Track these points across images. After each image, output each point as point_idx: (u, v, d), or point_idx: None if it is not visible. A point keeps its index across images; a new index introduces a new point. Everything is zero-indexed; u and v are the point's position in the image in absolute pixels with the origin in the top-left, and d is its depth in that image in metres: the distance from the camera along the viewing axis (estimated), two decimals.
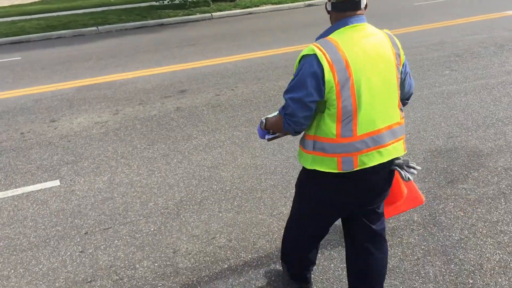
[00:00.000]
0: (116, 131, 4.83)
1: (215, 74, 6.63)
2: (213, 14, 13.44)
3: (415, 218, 3.03)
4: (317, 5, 14.56)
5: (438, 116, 4.61)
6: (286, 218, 3.08)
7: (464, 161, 3.70)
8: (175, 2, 14.66)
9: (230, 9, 13.86)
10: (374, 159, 1.88)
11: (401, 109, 1.96)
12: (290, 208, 2.34)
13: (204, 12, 13.60)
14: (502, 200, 3.15)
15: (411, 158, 3.80)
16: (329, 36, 1.84)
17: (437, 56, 6.66)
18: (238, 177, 3.71)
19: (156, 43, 9.51)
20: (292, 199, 2.30)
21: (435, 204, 3.16)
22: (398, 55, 1.90)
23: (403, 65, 1.97)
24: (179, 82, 6.35)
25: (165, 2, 14.58)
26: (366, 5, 1.88)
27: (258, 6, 14.28)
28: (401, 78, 1.98)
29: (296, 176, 3.60)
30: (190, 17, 13.28)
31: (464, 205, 3.13)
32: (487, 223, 2.93)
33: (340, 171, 1.88)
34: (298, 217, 2.22)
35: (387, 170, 1.97)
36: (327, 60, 1.75)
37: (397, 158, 1.98)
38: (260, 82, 6.15)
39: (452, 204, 3.15)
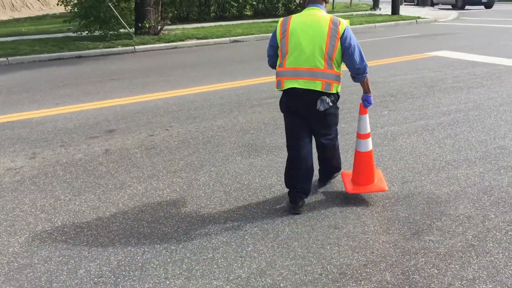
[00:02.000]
0: (34, 179, 4.15)
1: (145, 112, 6.12)
2: (136, 47, 12.93)
3: (388, 278, 2.73)
4: (242, 41, 14.52)
5: (387, 159, 4.45)
6: (246, 284, 2.65)
7: (424, 209, 3.51)
8: (95, 34, 13.92)
9: (154, 43, 13.41)
10: (291, 84, 3.30)
11: (329, 63, 3.25)
12: (248, 269, 2.84)
13: (126, 45, 13.04)
14: (473, 253, 2.95)
15: (371, 205, 3.55)
16: (293, 15, 3.38)
17: (375, 95, 6.64)
18: (184, 233, 3.23)
19: (75, 76, 8.80)
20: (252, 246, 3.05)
21: (405, 260, 2.89)
22: (333, 30, 3.23)
23: (341, 37, 3.24)
24: (106, 121, 5.76)
25: (83, 34, 13.79)
26: None
27: (183, 40, 13.97)
28: (342, 48, 3.27)
29: (251, 230, 3.22)
30: (111, 49, 12.66)
31: (436, 260, 2.89)
32: (464, 281, 2.69)
33: (276, 89, 3.43)
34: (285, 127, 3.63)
35: (307, 97, 3.31)
36: (280, 25, 3.37)
37: (323, 95, 3.30)
38: (196, 121, 5.73)
39: (423, 259, 2.90)
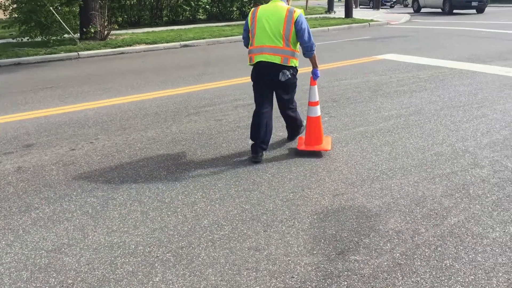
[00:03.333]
0: None
1: (72, 124, 5.71)
2: (80, 53, 12.40)
3: None
4: (193, 45, 14.20)
5: (321, 170, 4.23)
6: None
7: (353, 224, 3.29)
8: (37, 39, 13.29)
9: (100, 48, 12.90)
10: (258, 58, 4.33)
11: (287, 42, 4.30)
12: None
13: (70, 51, 12.50)
14: (399, 273, 2.74)
15: (298, 222, 3.31)
16: (260, 6, 4.43)
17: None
18: (87, 263, 2.89)
19: (8, 85, 8.27)
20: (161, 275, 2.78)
21: (326, 285, 2.65)
22: (289, 17, 4.26)
23: (295, 22, 4.26)
24: (26, 134, 5.34)
25: (24, 39, 13.13)
26: None
27: (130, 45, 13.53)
28: (295, 31, 4.30)
29: (163, 257, 2.93)
30: (53, 56, 12.10)
31: (359, 283, 2.66)
32: None
33: (249, 63, 4.48)
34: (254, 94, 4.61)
35: (271, 68, 4.32)
36: (251, 14, 4.39)
37: (282, 67, 4.33)
38: (125, 132, 5.38)
39: (346, 283, 2.66)
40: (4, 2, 13.00)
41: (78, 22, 14.14)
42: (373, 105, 6.24)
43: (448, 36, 13.97)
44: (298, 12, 4.36)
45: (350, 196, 3.71)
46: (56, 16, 12.73)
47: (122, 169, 4.34)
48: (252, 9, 4.54)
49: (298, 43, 4.46)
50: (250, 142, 4.61)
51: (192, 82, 8.08)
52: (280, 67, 4.34)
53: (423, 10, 28.25)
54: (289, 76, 4.40)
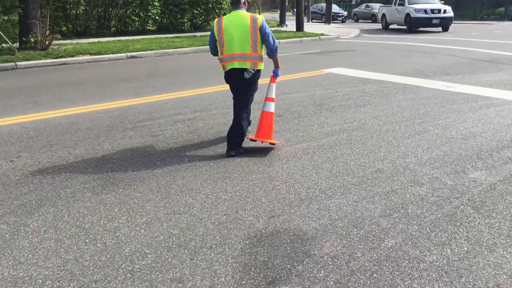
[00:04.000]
0: None
1: None
2: (18, 63, 11.78)
3: None
4: (139, 57, 13.81)
5: (258, 189, 4.01)
6: None
7: (287, 249, 3.08)
8: None
9: (40, 59, 12.32)
10: (230, 66, 4.74)
11: (254, 48, 4.72)
12: None
13: (7, 60, 11.84)
14: None
15: (229, 248, 3.06)
16: (224, 16, 4.79)
17: (258, 115, 6.26)
18: None
19: None
20: None
21: None
22: (254, 23, 4.66)
23: (260, 28, 4.68)
24: None
25: None
26: (245, 1, 4.79)
27: (73, 56, 12.99)
28: (260, 35, 4.72)
29: (74, 286, 2.59)
30: None
31: None
32: None
33: (221, 71, 4.89)
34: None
35: (240, 73, 4.77)
36: (216, 24, 4.74)
37: (247, 70, 4.76)
38: (51, 149, 4.98)
39: None
40: None
41: (17, 31, 13.42)
42: (317, 120, 6.11)
43: (394, 51, 14.23)
44: (261, 18, 4.80)
45: (286, 218, 3.50)
46: None
47: (42, 191, 3.96)
48: (216, 19, 4.88)
49: (264, 47, 4.91)
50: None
51: (132, 95, 7.73)
52: (246, 70, 4.83)
53: (391, 26, 26.50)
54: (252, 72, 4.83)
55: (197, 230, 3.31)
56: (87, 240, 3.18)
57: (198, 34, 20.24)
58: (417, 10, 22.45)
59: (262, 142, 5.06)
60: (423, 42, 16.82)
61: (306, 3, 36.11)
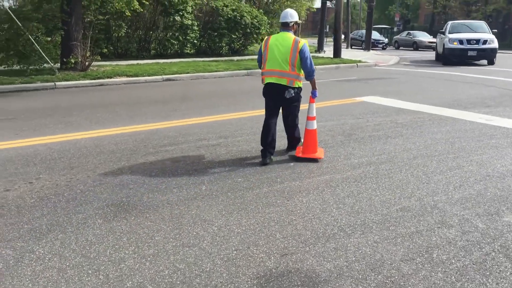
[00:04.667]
0: None
1: (18, 160, 5.31)
2: (57, 83, 12.09)
3: None
4: (175, 79, 13.97)
5: (274, 224, 3.82)
6: None
7: None
8: (15, 68, 12.98)
9: (78, 79, 12.62)
10: (269, 80, 5.32)
11: (292, 67, 5.23)
12: None
13: (47, 80, 12.18)
14: None
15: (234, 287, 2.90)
16: (272, 35, 5.40)
17: (283, 144, 6.12)
18: None
19: None
20: None
21: None
22: (295, 46, 5.18)
23: (300, 51, 5.19)
24: None
25: (1, 67, 12.80)
26: (293, 24, 5.39)
27: (111, 77, 13.25)
28: (299, 58, 5.23)
29: None
30: (29, 85, 11.76)
31: None
32: None
33: (262, 83, 5.47)
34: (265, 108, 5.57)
35: (278, 88, 5.30)
36: (264, 42, 5.43)
37: (288, 88, 5.29)
38: (71, 172, 4.97)
39: None
40: None
41: (59, 52, 13.85)
42: (344, 151, 5.89)
43: (434, 80, 13.84)
44: (303, 42, 5.28)
45: (299, 257, 3.30)
46: (35, 45, 12.46)
47: (54, 215, 3.91)
48: (266, 37, 5.56)
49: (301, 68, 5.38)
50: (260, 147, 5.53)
51: (161, 118, 7.73)
52: (286, 87, 5.30)
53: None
54: (293, 94, 5.36)
55: (204, 266, 3.16)
56: (90, 271, 3.07)
57: (235, 58, 20.40)
58: (451, 40, 19.58)
59: (308, 158, 5.51)
60: (465, 72, 16.32)
61: (346, 29, 36.05)
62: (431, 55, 26.41)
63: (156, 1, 19.26)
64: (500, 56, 26.97)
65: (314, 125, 5.58)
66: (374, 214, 4.02)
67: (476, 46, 19.09)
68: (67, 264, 3.16)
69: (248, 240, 3.53)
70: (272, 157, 5.45)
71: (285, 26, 5.39)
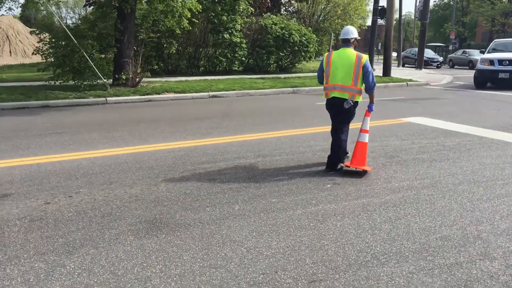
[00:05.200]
0: None
1: (60, 174, 5.48)
2: (108, 98, 12.51)
3: None
4: (221, 96, 14.13)
5: (304, 248, 3.72)
6: None
7: None
8: (69, 83, 13.56)
9: (128, 95, 13.01)
10: (332, 94, 5.65)
11: (355, 82, 5.54)
12: None
13: (99, 96, 12.64)
14: None
15: None
16: (333, 51, 5.74)
17: (322, 164, 6.00)
18: None
19: (22, 128, 8.29)
20: None
21: None
22: (358, 61, 5.50)
23: (363, 66, 5.49)
24: (9, 183, 5.13)
25: (57, 83, 13.43)
26: (354, 40, 5.70)
27: (159, 93, 13.59)
28: (362, 73, 5.53)
29: None
30: (81, 100, 12.25)
31: None
32: None
33: (325, 98, 5.83)
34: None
35: (340, 101, 5.62)
36: (325, 58, 5.74)
37: (347, 100, 5.59)
38: (110, 187, 5.07)
39: None
40: (42, 47, 13.43)
41: (111, 69, 14.38)
42: (384, 174, 5.71)
43: (487, 101, 13.28)
44: (365, 58, 5.60)
45: (328, 284, 3.18)
46: (89, 62, 12.98)
47: (88, 230, 3.98)
48: (326, 53, 5.88)
49: (363, 83, 5.66)
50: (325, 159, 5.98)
51: (202, 135, 7.80)
52: (346, 100, 5.64)
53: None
54: (351, 104, 5.65)
55: None
56: None
57: (283, 76, 20.44)
58: (482, 60, 17.70)
59: (356, 169, 5.69)
60: None
61: (398, 47, 35.39)
62: None
63: (206, 19, 19.68)
64: None
65: (366, 138, 5.75)
66: (411, 242, 3.84)
67: (509, 68, 16.51)
68: (95, 280, 3.19)
69: (276, 264, 3.45)
70: (341, 164, 5.80)
71: (346, 42, 5.71)
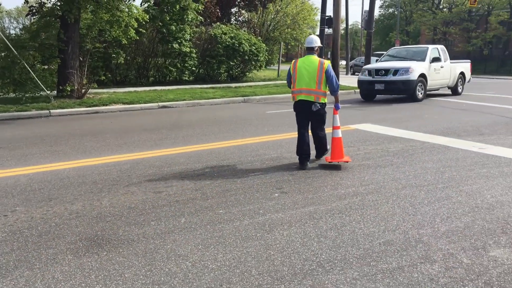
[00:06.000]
0: None
1: None
2: (52, 111, 12.10)
3: None
4: (171, 107, 13.97)
5: (251, 259, 3.68)
6: None
7: None
8: (10, 96, 13.01)
9: (74, 107, 12.63)
10: (299, 97, 6.34)
11: (319, 85, 6.20)
12: None
13: (42, 108, 12.21)
14: None
15: None
16: (299, 59, 6.51)
17: (270, 174, 6.01)
18: None
19: None
20: None
21: None
22: (321, 67, 6.18)
23: (325, 71, 6.17)
24: None
25: None
26: (317, 48, 6.44)
27: (106, 105, 13.28)
28: (325, 77, 6.19)
29: None
30: (23, 113, 11.78)
31: None
32: None
33: (292, 100, 6.52)
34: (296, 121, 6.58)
35: (307, 103, 6.28)
36: (292, 64, 6.47)
37: (314, 103, 6.26)
38: (49, 204, 4.86)
39: None
40: None
41: (55, 80, 13.91)
42: (331, 181, 5.77)
43: (429, 107, 13.79)
44: (327, 63, 6.28)
45: None
46: (31, 73, 12.51)
47: (24, 250, 3.78)
48: (293, 60, 6.58)
49: (327, 86, 6.29)
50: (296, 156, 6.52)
51: (149, 147, 7.65)
52: (313, 103, 6.25)
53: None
54: (319, 107, 6.28)
55: None
56: None
57: (233, 85, 20.47)
58: (363, 71, 16.26)
59: (337, 163, 6.44)
60: (461, 99, 16.29)
61: (346, 56, 36.29)
62: None
63: (155, 29, 19.45)
64: (501, 82, 27.05)
65: (339, 133, 6.47)
66: (356, 248, 3.88)
67: (384, 78, 14.99)
68: None
69: (221, 277, 3.39)
70: (308, 163, 6.38)
71: (310, 50, 6.42)
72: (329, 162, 6.42)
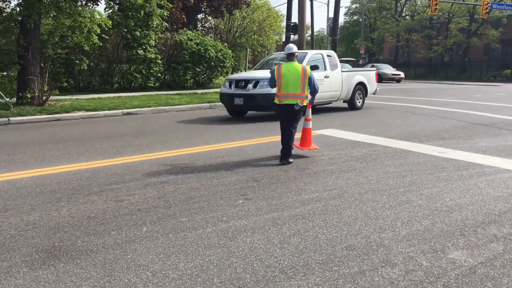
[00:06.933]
0: None
1: None
2: (11, 118, 11.76)
3: None
4: (136, 113, 13.78)
5: (213, 267, 3.64)
6: None
7: None
8: None
9: (34, 114, 12.30)
10: (285, 101, 6.99)
11: (303, 90, 6.98)
12: None
13: (0, 116, 11.79)
14: None
15: None
16: (282, 64, 7.18)
17: (234, 180, 5.99)
18: None
19: None
20: None
21: None
22: (304, 73, 6.97)
23: (308, 77, 7.01)
24: None
25: None
26: (297, 54, 7.29)
27: (68, 112, 13.00)
28: (309, 81, 7.03)
29: None
30: None
31: None
32: None
33: (277, 102, 7.12)
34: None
35: (291, 106, 6.96)
36: (276, 70, 7.08)
37: (298, 105, 6.97)
38: (5, 214, 4.69)
39: None
40: None
41: (15, 87, 13.51)
42: (295, 186, 5.79)
43: (391, 112, 14.08)
44: (309, 69, 7.05)
45: None
46: None
47: None
48: (276, 66, 7.14)
49: (308, 89, 7.04)
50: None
51: (111, 155, 7.51)
52: (296, 103, 6.93)
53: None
54: (300, 105, 6.94)
55: None
56: None
57: (200, 91, 20.38)
58: (225, 82, 13.21)
59: (309, 150, 7.57)
60: (422, 104, 16.72)
61: None
62: (393, 87, 27.03)
63: (119, 35, 19.18)
64: (462, 87, 27.90)
65: (310, 124, 7.54)
66: (318, 253, 3.89)
67: (243, 91, 12.13)
68: None
69: (183, 287, 3.34)
70: (290, 159, 6.97)
71: (291, 56, 7.14)
72: (298, 148, 7.45)
